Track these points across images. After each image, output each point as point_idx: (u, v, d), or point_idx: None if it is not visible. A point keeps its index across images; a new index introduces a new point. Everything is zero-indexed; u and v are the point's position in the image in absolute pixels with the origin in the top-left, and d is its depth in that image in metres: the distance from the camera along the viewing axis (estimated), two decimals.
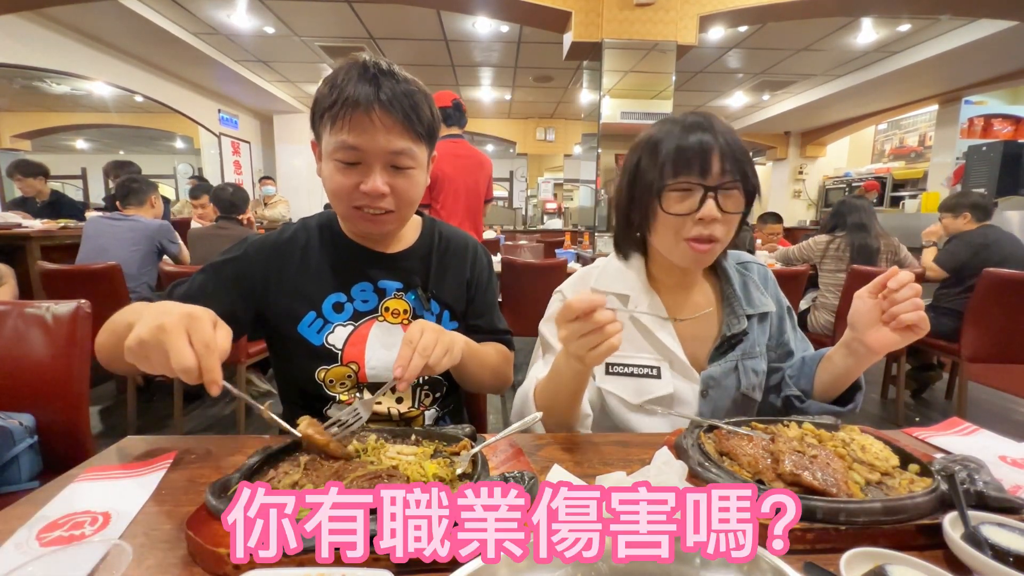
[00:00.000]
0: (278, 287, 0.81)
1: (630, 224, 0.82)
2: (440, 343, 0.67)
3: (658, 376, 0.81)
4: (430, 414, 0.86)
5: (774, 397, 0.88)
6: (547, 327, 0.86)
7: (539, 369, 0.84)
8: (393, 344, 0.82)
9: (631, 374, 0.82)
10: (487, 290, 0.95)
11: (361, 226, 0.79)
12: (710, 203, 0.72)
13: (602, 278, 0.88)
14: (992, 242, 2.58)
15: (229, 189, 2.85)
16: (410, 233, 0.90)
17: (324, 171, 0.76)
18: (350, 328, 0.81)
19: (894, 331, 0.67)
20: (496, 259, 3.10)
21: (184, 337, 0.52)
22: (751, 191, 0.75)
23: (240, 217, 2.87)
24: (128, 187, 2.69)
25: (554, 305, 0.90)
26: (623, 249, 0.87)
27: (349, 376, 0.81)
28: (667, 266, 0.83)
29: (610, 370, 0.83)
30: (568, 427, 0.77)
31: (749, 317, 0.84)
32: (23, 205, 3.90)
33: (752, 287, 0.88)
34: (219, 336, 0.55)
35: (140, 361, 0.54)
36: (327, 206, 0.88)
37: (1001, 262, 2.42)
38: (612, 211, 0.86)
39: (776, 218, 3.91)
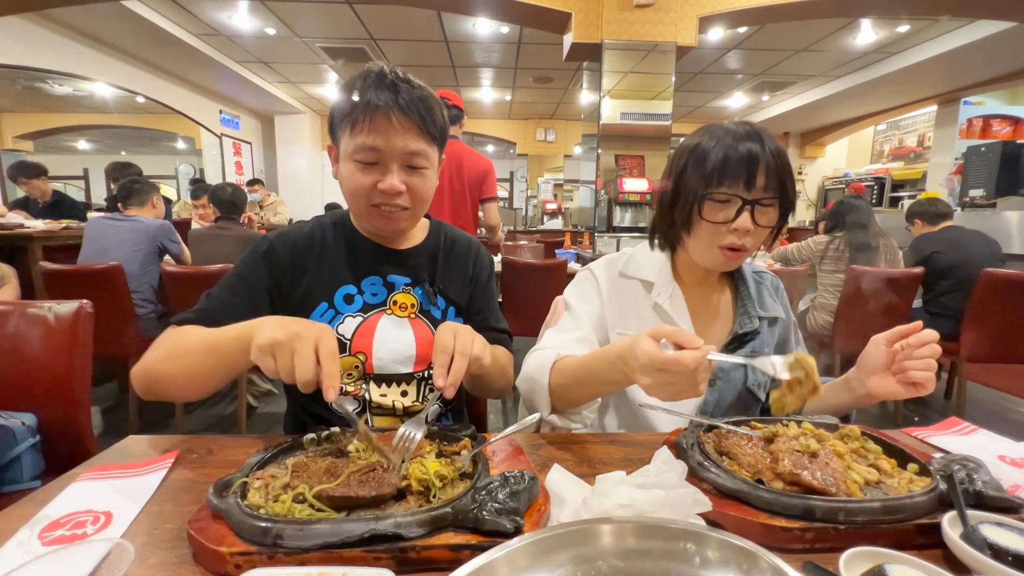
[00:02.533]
0: (298, 279, 0.85)
1: (671, 221, 0.84)
2: (476, 339, 0.69)
3: None
4: (434, 409, 0.87)
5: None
6: (572, 292, 0.92)
7: (555, 336, 0.85)
8: (400, 337, 0.85)
9: None
10: (486, 287, 0.98)
11: (377, 223, 0.82)
12: (746, 215, 0.74)
13: (630, 264, 0.92)
14: (944, 247, 2.61)
15: (228, 189, 2.83)
16: (418, 233, 0.94)
17: (343, 172, 0.79)
18: (359, 319, 0.84)
19: (899, 383, 0.68)
20: (496, 259, 3.10)
21: (313, 350, 0.58)
22: (787, 207, 0.78)
23: (239, 217, 2.86)
24: (129, 188, 2.68)
25: (582, 275, 0.94)
26: (658, 240, 0.91)
27: (356, 367, 0.83)
28: (691, 264, 0.87)
29: None
30: (576, 407, 0.78)
31: (760, 319, 0.88)
32: (25, 205, 3.90)
33: (766, 293, 0.93)
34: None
35: (265, 359, 0.59)
36: (328, 207, 0.89)
37: (957, 264, 2.53)
38: (655, 203, 0.89)
39: None
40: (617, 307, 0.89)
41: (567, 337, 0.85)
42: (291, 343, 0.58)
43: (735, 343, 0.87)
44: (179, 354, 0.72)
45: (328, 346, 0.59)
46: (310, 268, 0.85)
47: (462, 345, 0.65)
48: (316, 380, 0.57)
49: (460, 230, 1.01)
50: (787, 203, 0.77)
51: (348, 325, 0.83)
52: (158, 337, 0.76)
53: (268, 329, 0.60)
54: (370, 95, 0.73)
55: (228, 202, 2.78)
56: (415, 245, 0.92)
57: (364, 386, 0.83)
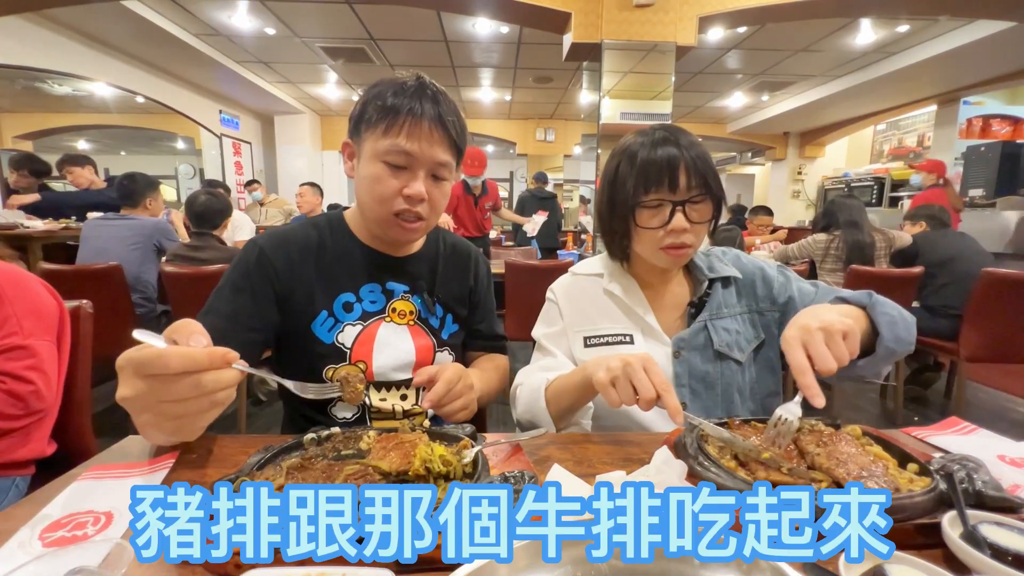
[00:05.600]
0: (293, 284, 0.83)
1: (613, 231, 0.88)
2: (464, 398, 0.77)
3: (631, 343, 0.87)
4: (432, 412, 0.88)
5: None
6: (539, 327, 0.96)
7: (532, 372, 0.89)
8: (399, 344, 0.86)
9: (606, 343, 0.87)
10: (487, 296, 1.02)
11: (393, 232, 0.82)
12: (679, 216, 0.79)
13: (578, 265, 0.97)
14: (940, 239, 2.74)
15: (202, 197, 2.44)
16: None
17: (365, 172, 0.78)
18: (359, 328, 0.84)
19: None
20: (494, 263, 3.10)
21: (169, 344, 0.52)
22: (718, 200, 0.82)
23: (216, 232, 2.48)
24: (124, 188, 2.58)
25: (546, 303, 0.97)
26: (611, 251, 0.93)
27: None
28: (648, 264, 0.89)
29: (588, 343, 0.89)
30: (573, 419, 0.83)
31: (712, 282, 0.90)
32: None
33: (714, 259, 0.94)
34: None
35: (137, 406, 0.52)
36: (330, 207, 0.90)
37: (952, 258, 2.61)
38: (595, 218, 0.92)
39: (767, 211, 4.30)
40: (576, 309, 0.92)
41: (542, 368, 0.88)
42: (152, 361, 0.49)
43: (693, 310, 0.89)
44: None
45: (187, 328, 0.55)
46: (307, 274, 0.83)
47: (456, 390, 0.75)
48: (207, 359, 0.50)
49: (459, 236, 1.02)
50: (715, 196, 0.81)
51: (348, 334, 0.84)
52: None
53: (120, 391, 0.52)
54: (414, 104, 0.75)
55: (198, 214, 2.40)
56: (414, 252, 0.92)
57: (365, 392, 0.83)
